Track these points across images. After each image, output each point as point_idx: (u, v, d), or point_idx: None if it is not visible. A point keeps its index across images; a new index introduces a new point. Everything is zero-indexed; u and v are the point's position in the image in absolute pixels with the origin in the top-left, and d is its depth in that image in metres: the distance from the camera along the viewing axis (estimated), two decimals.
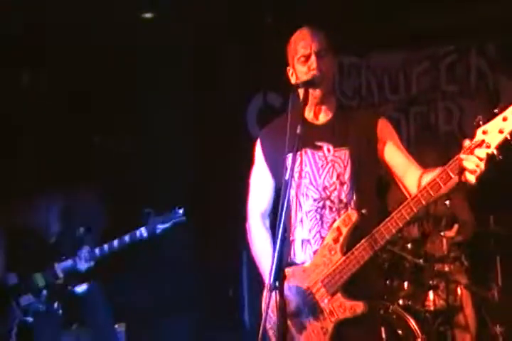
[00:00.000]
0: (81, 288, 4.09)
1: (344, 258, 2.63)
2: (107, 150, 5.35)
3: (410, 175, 2.68)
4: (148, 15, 5.35)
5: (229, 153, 5.04)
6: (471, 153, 2.39)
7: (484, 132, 2.38)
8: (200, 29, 5.37)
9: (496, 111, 2.37)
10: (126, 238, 3.93)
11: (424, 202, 2.50)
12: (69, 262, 4.08)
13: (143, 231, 3.88)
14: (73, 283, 4.09)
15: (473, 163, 2.38)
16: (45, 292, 4.08)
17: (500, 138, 2.36)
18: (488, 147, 2.37)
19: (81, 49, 4.99)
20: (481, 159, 2.37)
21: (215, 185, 5.25)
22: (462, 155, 2.40)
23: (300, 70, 2.72)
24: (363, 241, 2.61)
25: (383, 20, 5.22)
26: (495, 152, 2.37)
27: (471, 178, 2.41)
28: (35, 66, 5.01)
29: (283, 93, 2.74)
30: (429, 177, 2.54)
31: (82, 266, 4.02)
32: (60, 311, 4.05)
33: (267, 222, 2.92)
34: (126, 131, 5.41)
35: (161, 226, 3.85)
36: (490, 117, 2.39)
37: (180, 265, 5.26)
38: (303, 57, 2.71)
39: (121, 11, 4.97)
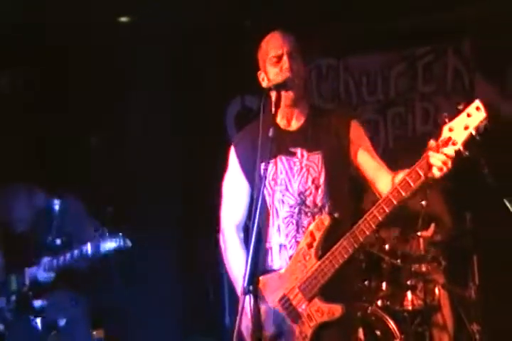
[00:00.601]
0: (37, 303, 3.84)
1: (319, 262, 2.65)
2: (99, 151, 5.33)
3: (382, 177, 2.70)
4: (125, 18, 5.33)
5: (209, 157, 5.04)
6: (437, 151, 2.40)
7: (450, 129, 2.39)
8: (180, 31, 5.37)
9: (460, 107, 2.38)
10: (76, 252, 3.66)
11: (395, 202, 2.51)
12: (33, 269, 3.83)
13: (88, 248, 3.61)
14: (34, 294, 3.85)
15: (439, 160, 2.39)
16: (14, 298, 3.87)
17: (465, 134, 2.37)
18: (455, 144, 2.38)
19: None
20: (449, 156, 2.38)
21: (198, 186, 5.25)
22: (429, 153, 2.41)
23: (271, 71, 2.73)
24: (335, 246, 2.62)
25: (360, 21, 5.24)
26: (461, 148, 2.38)
27: (438, 174, 2.42)
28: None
29: (261, 96, 2.75)
30: (399, 177, 2.55)
31: (42, 276, 3.78)
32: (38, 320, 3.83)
33: (241, 235, 2.88)
34: (108, 131, 5.40)
35: (105, 247, 3.58)
36: (455, 114, 2.39)
37: (161, 268, 5.25)
38: (274, 58, 2.71)
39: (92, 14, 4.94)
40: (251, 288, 2.42)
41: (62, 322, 3.92)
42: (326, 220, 2.67)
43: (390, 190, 2.54)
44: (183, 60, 5.55)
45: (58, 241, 3.88)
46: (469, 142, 2.38)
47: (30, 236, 3.95)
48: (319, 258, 2.66)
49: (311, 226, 2.69)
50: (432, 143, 2.42)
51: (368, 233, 2.57)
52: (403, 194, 2.50)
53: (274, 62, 2.72)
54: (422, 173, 2.46)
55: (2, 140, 4.95)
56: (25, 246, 3.93)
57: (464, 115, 2.37)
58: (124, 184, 5.31)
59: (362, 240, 2.58)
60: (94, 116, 5.35)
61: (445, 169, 2.40)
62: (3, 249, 4.01)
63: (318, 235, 2.67)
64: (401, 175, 2.55)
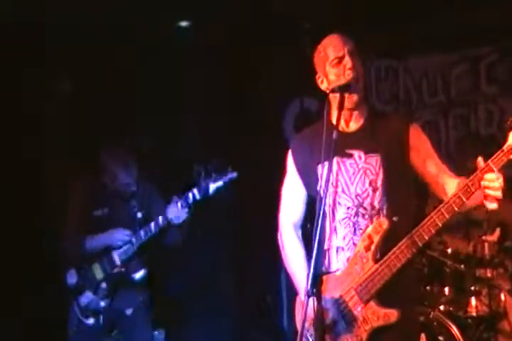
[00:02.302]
0: (139, 275, 3.88)
1: (377, 266, 2.62)
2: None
3: (443, 182, 2.66)
4: (183, 23, 5.38)
5: (265, 160, 5.03)
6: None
7: None
8: (234, 32, 5.39)
9: None
10: (179, 202, 3.66)
11: (456, 208, 2.48)
12: (120, 250, 3.85)
13: (195, 193, 3.64)
14: (131, 269, 3.88)
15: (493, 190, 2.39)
16: (104, 285, 3.88)
17: None
18: None
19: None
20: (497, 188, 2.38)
21: (253, 192, 5.24)
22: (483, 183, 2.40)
23: (334, 73, 2.70)
24: (393, 249, 2.59)
25: (420, 21, 5.16)
26: None
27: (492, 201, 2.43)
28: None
29: (319, 98, 2.74)
30: (462, 183, 2.51)
31: (130, 251, 3.81)
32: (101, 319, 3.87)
33: (299, 233, 2.91)
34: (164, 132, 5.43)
35: (213, 185, 3.61)
36: None
37: (219, 270, 5.27)
38: (336, 59, 2.69)
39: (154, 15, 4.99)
40: (314, 290, 2.42)
41: (128, 311, 3.92)
42: (385, 224, 2.64)
43: (451, 195, 2.50)
44: (241, 61, 5.55)
45: (139, 215, 3.90)
46: None
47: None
48: (376, 261, 2.63)
49: (369, 229, 2.67)
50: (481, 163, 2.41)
51: (426, 238, 2.55)
52: (464, 200, 2.46)
53: (335, 63, 2.70)
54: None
55: None
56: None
57: None
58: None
59: (420, 245, 2.56)
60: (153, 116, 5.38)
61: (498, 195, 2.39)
62: None
63: (376, 238, 2.65)
64: (464, 180, 2.51)
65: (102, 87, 5.19)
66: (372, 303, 2.62)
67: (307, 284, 2.44)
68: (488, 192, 2.41)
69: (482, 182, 2.40)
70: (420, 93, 5.49)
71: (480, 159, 2.44)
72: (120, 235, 3.88)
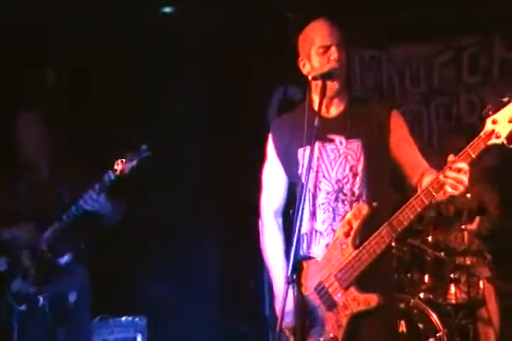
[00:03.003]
0: (64, 259, 3.86)
1: (356, 251, 2.63)
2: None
3: (418, 170, 2.69)
4: (166, 9, 5.36)
5: (249, 149, 5.04)
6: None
7: (494, 122, 2.37)
8: (215, 23, 5.37)
9: (504, 99, 2.35)
10: (97, 185, 3.71)
11: (434, 193, 2.49)
12: (48, 231, 3.83)
13: (110, 174, 3.69)
14: (58, 254, 3.87)
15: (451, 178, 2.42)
16: (32, 271, 3.86)
17: (510, 127, 2.34)
18: (498, 137, 2.36)
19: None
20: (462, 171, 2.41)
21: (236, 180, 5.25)
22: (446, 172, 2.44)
23: (317, 61, 2.70)
24: (373, 235, 2.61)
25: (404, 11, 5.17)
26: (505, 142, 2.35)
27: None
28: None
29: (303, 87, 2.75)
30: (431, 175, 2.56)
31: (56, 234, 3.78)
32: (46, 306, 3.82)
33: (280, 220, 2.89)
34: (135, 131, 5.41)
35: (128, 165, 3.67)
36: (499, 106, 2.36)
37: (201, 258, 5.28)
38: (322, 48, 2.69)
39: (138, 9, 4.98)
40: (294, 276, 2.43)
41: (72, 297, 3.90)
42: (364, 209, 2.65)
43: (430, 181, 2.52)
44: (224, 51, 5.54)
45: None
46: None
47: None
48: (356, 247, 2.64)
49: (349, 215, 2.67)
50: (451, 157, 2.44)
51: (405, 224, 2.56)
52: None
53: (321, 52, 2.69)
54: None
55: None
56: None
57: (508, 108, 2.35)
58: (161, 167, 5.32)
59: (399, 230, 2.57)
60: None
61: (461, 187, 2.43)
62: None
63: (355, 224, 2.65)
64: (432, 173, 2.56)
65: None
66: (352, 289, 2.63)
67: (287, 271, 2.44)
68: (450, 181, 2.44)
69: (447, 172, 2.43)
70: (403, 82, 5.51)
71: (451, 155, 2.46)
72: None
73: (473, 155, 2.41)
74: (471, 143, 2.42)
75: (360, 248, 2.62)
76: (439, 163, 2.66)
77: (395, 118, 2.75)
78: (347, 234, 2.66)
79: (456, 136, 4.64)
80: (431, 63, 5.40)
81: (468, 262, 4.38)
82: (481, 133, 2.39)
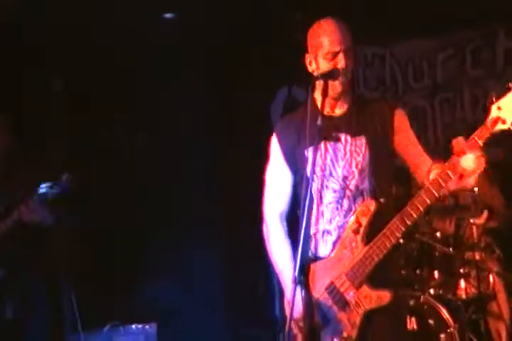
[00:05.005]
0: None
1: (367, 248, 2.63)
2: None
3: (424, 168, 2.69)
4: (167, 15, 5.37)
5: (254, 150, 5.04)
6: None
7: (499, 108, 2.38)
8: (222, 24, 5.38)
9: (510, 85, 2.35)
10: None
11: (443, 184, 2.51)
12: None
13: (35, 196, 3.80)
14: None
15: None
16: None
17: None
18: (504, 123, 2.38)
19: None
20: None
21: (242, 183, 5.25)
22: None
23: (324, 64, 2.70)
24: (383, 231, 2.61)
25: (405, 7, 5.17)
26: (511, 127, 2.37)
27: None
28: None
29: (307, 87, 2.76)
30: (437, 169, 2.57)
31: None
32: None
33: (285, 224, 2.85)
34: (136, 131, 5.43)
35: (51, 193, 3.80)
36: (504, 93, 2.37)
37: (209, 263, 5.28)
38: (330, 54, 2.68)
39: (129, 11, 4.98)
40: (302, 278, 2.43)
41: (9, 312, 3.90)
42: (372, 205, 2.65)
43: (438, 172, 2.54)
44: (227, 52, 5.54)
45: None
46: None
47: None
48: (366, 244, 2.64)
49: (357, 213, 2.67)
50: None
51: (415, 216, 2.56)
52: (451, 176, 2.49)
53: (329, 58, 2.68)
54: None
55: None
56: None
57: None
58: (167, 172, 5.34)
59: (409, 223, 2.57)
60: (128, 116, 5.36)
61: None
62: None
63: (364, 221, 2.66)
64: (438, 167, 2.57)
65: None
66: (364, 287, 2.63)
67: (294, 272, 2.43)
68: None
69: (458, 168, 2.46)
70: (406, 78, 5.51)
71: (460, 138, 2.47)
72: None
73: (481, 143, 2.43)
74: (477, 130, 2.44)
75: (371, 244, 2.63)
76: (445, 159, 2.67)
77: (399, 115, 2.77)
78: (356, 232, 2.66)
79: (459, 132, 4.64)
80: (434, 58, 5.40)
81: (477, 257, 4.37)
82: (487, 121, 2.40)
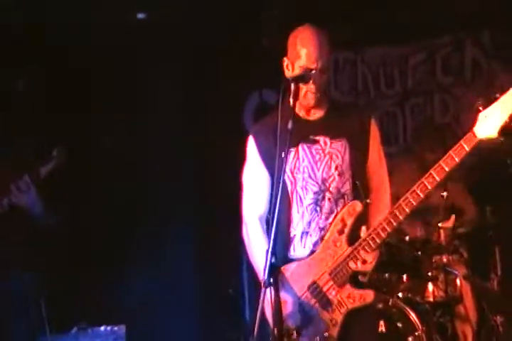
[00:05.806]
0: None
1: (351, 248, 2.66)
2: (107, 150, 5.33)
3: (382, 195, 2.80)
4: (141, 15, 5.36)
5: (227, 153, 5.05)
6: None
7: (486, 117, 2.44)
8: (196, 27, 5.38)
9: (497, 95, 2.42)
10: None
11: (438, 179, 2.54)
12: None
13: (26, 178, 3.69)
14: None
15: None
16: None
17: (502, 121, 2.42)
18: (490, 131, 2.43)
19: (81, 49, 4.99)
20: None
21: (215, 185, 5.25)
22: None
23: (300, 70, 2.71)
24: (369, 231, 2.64)
25: (376, 13, 5.22)
26: (497, 135, 2.43)
27: None
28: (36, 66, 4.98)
29: (279, 90, 2.77)
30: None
31: None
32: None
33: (265, 226, 2.85)
34: (123, 131, 5.40)
35: (44, 169, 3.69)
36: (489, 102, 2.43)
37: (180, 264, 5.26)
38: (306, 69, 2.68)
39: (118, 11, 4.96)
40: (271, 280, 2.43)
41: None
42: (358, 206, 2.69)
43: (425, 176, 2.57)
44: (199, 56, 5.54)
45: None
46: (505, 129, 2.43)
47: None
48: (350, 244, 2.67)
49: (342, 213, 2.70)
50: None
51: (401, 217, 2.59)
52: (437, 179, 2.53)
53: (304, 70, 2.68)
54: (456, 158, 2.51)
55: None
56: None
57: (499, 102, 2.42)
58: (141, 173, 5.32)
59: (395, 224, 2.61)
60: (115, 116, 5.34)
61: None
62: None
63: (349, 221, 2.69)
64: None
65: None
66: (347, 286, 2.66)
67: (264, 274, 2.43)
68: None
69: None
70: (378, 85, 5.55)
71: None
72: None
73: (468, 149, 2.47)
74: (465, 137, 2.48)
75: (356, 244, 2.65)
76: (417, 165, 2.71)
77: (374, 127, 2.82)
78: (340, 232, 2.69)
79: (432, 137, 4.71)
80: (405, 64, 5.45)
81: (445, 260, 4.42)
82: (473, 129, 2.45)
